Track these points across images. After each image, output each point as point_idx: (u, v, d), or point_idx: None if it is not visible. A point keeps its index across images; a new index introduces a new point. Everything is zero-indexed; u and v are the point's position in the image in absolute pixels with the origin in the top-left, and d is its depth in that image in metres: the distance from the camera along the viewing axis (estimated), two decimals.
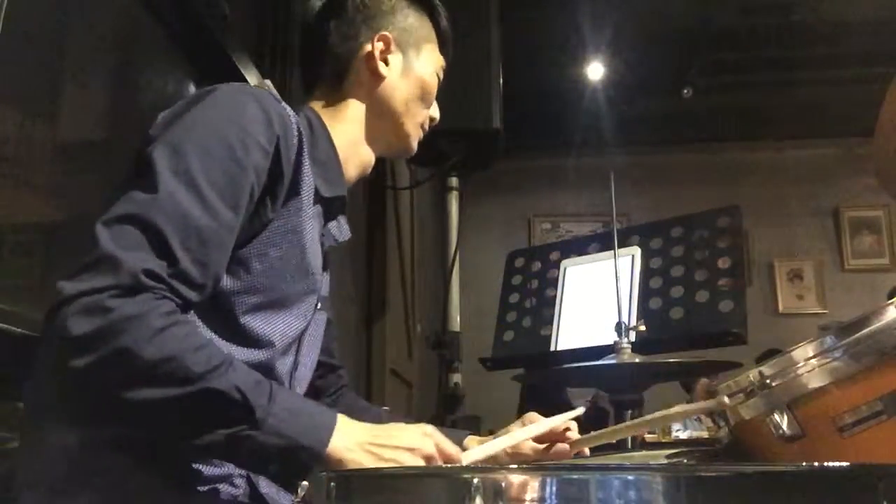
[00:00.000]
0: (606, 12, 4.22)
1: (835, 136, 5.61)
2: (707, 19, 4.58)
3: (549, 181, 5.92)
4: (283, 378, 1.02)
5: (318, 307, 1.10)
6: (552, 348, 1.69)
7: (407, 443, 0.87)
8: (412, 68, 1.17)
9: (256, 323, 0.95)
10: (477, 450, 0.99)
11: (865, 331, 0.93)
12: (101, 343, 0.77)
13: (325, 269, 1.11)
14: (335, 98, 1.14)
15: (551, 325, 1.72)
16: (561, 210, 6.05)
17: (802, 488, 0.54)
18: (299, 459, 0.81)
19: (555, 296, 1.75)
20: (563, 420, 1.15)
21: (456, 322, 3.49)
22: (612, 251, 1.49)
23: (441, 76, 1.22)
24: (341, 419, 0.86)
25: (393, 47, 1.15)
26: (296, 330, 1.02)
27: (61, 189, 1.45)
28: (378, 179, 3.38)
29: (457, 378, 3.36)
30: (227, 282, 0.93)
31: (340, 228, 1.17)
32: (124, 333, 0.77)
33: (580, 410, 1.17)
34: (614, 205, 1.48)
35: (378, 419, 1.25)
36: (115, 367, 0.77)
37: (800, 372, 0.97)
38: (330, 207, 1.10)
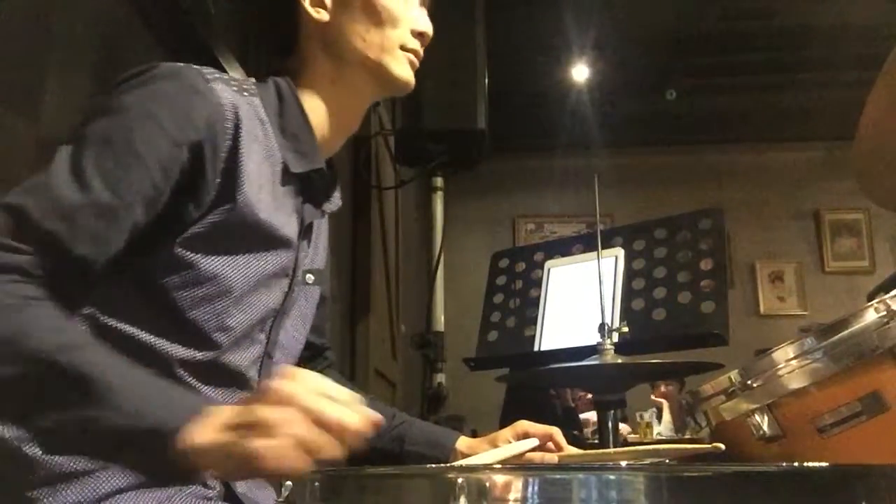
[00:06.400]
0: (591, 14, 4.23)
1: (816, 139, 5.67)
2: (691, 23, 4.61)
3: (533, 182, 5.93)
4: (246, 370, 0.96)
5: (312, 281, 1.05)
6: (536, 349, 1.69)
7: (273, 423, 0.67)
8: None
9: (205, 317, 0.90)
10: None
11: (845, 333, 0.94)
12: None
13: (305, 239, 1.03)
14: (297, 62, 1.05)
15: (535, 325, 1.72)
16: (545, 211, 6.07)
17: (782, 489, 0.54)
18: (151, 445, 0.70)
19: (539, 296, 1.75)
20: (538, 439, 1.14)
21: (440, 322, 3.50)
22: (596, 252, 1.49)
23: None
24: (206, 406, 0.73)
25: None
26: (256, 318, 0.96)
27: None
28: (362, 179, 3.37)
29: (440, 378, 3.37)
30: (170, 278, 0.88)
31: (330, 199, 1.09)
32: None
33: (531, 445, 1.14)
34: (598, 206, 1.49)
35: None
36: None
37: (780, 373, 0.98)
38: (310, 182, 1.02)
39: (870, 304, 0.95)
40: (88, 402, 0.71)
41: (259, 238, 0.94)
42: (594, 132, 5.18)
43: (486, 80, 3.02)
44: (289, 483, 0.72)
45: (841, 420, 0.93)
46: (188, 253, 0.88)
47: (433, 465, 0.91)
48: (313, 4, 1.03)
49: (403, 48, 1.04)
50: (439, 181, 3.47)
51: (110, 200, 0.81)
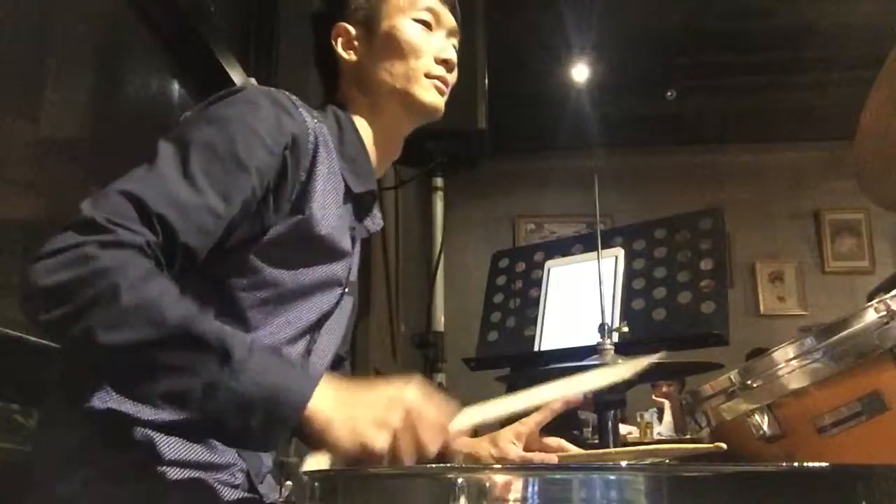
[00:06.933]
0: (591, 14, 4.23)
1: (817, 139, 5.66)
2: (691, 22, 4.61)
3: (533, 182, 5.93)
4: None
5: (346, 292, 1.12)
6: (536, 349, 1.69)
7: (386, 406, 0.79)
8: (375, 36, 1.13)
9: (263, 316, 0.97)
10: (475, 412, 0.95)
11: (845, 333, 0.94)
12: (80, 289, 0.77)
13: (351, 254, 1.12)
14: (343, 96, 1.16)
15: (535, 325, 1.72)
16: (545, 211, 6.06)
17: (782, 488, 0.54)
18: (278, 412, 0.77)
19: (539, 296, 1.75)
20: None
21: (440, 322, 3.49)
22: (596, 252, 1.49)
23: (426, 16, 1.14)
24: (325, 376, 0.82)
25: (352, 32, 1.14)
26: (307, 321, 1.03)
27: (43, 187, 1.43)
28: None
29: (440, 378, 3.36)
30: (237, 280, 0.95)
31: (373, 219, 1.20)
32: (104, 279, 0.77)
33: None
34: (598, 206, 1.49)
35: None
36: (92, 313, 0.77)
37: (780, 373, 0.98)
38: (361, 202, 1.12)
39: (870, 304, 0.95)
40: (216, 368, 0.77)
41: (322, 250, 1.01)
42: (594, 132, 5.17)
43: (486, 80, 3.02)
44: (289, 483, 0.73)
45: (841, 420, 0.93)
46: (257, 259, 0.95)
47: (433, 465, 0.90)
48: (344, 48, 1.15)
49: (428, 76, 1.12)
50: (439, 181, 3.46)
51: (219, 202, 0.89)
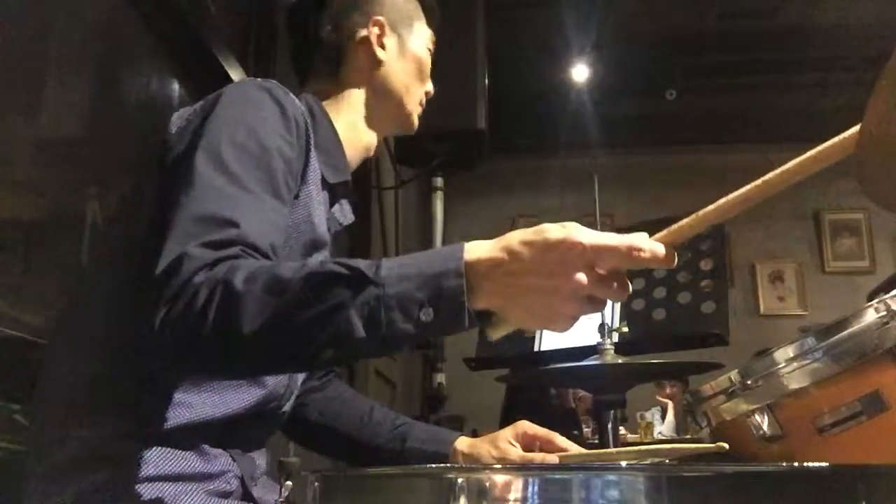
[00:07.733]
0: (591, 14, 4.24)
1: (816, 139, 5.64)
2: (691, 22, 4.61)
3: (533, 181, 5.93)
4: None
5: None
6: (536, 349, 1.69)
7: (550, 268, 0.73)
8: (407, 48, 1.19)
9: None
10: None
11: (845, 332, 0.94)
12: (203, 310, 0.74)
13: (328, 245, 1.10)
14: (333, 86, 1.16)
15: None
16: (545, 210, 6.04)
17: (782, 488, 0.54)
18: (441, 288, 0.73)
19: None
20: None
21: None
22: None
23: (431, 49, 1.24)
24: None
25: (387, 30, 1.17)
26: None
27: (43, 187, 1.43)
28: (363, 179, 3.37)
29: (440, 378, 3.36)
30: None
31: (344, 212, 1.18)
32: (217, 288, 0.74)
33: None
34: (598, 206, 1.49)
35: (365, 412, 1.26)
36: (223, 319, 0.74)
37: (780, 373, 0.98)
38: (334, 193, 1.11)
39: (870, 304, 0.95)
40: (360, 287, 0.73)
41: (309, 237, 1.01)
42: (594, 132, 5.18)
43: (486, 80, 3.02)
44: (289, 483, 0.73)
45: (841, 420, 0.93)
46: None
47: (433, 465, 0.91)
48: (378, 44, 1.16)
49: (420, 103, 1.23)
50: (439, 181, 3.46)
51: (271, 195, 0.89)
